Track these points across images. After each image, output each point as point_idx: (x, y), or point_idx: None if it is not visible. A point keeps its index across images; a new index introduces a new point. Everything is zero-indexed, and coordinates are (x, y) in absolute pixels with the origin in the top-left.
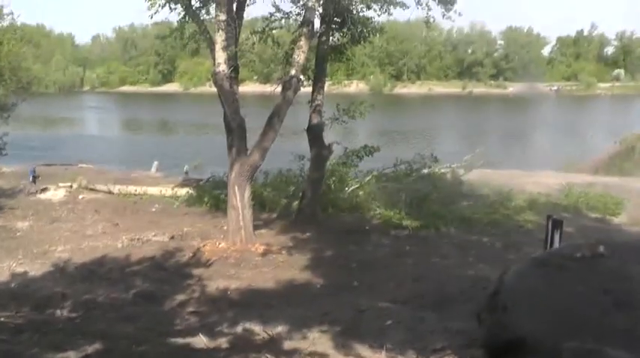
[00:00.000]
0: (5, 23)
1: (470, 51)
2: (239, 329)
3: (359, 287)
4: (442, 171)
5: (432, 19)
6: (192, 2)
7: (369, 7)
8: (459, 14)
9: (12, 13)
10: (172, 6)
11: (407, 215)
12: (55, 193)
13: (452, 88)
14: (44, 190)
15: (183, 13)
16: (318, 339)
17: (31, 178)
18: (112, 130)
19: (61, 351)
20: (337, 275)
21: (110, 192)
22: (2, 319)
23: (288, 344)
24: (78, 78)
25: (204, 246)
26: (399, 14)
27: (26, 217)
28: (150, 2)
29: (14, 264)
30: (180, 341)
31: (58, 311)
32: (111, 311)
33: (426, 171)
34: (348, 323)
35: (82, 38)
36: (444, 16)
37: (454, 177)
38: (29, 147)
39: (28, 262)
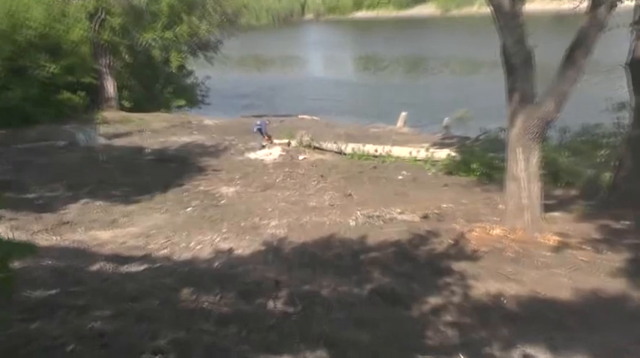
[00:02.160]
0: None
1: None
2: (516, 354)
3: None
4: None
5: None
6: None
7: None
8: None
9: None
10: None
11: None
12: (269, 152)
13: None
14: (258, 149)
15: None
16: None
17: (260, 135)
18: (343, 71)
19: (274, 354)
20: None
21: (341, 153)
22: (206, 305)
23: None
24: (298, 4)
25: (470, 231)
26: None
27: (232, 181)
28: None
29: (218, 239)
30: None
31: (271, 303)
32: (338, 310)
33: None
34: None
35: None
36: None
37: None
38: (237, 95)
39: (233, 237)
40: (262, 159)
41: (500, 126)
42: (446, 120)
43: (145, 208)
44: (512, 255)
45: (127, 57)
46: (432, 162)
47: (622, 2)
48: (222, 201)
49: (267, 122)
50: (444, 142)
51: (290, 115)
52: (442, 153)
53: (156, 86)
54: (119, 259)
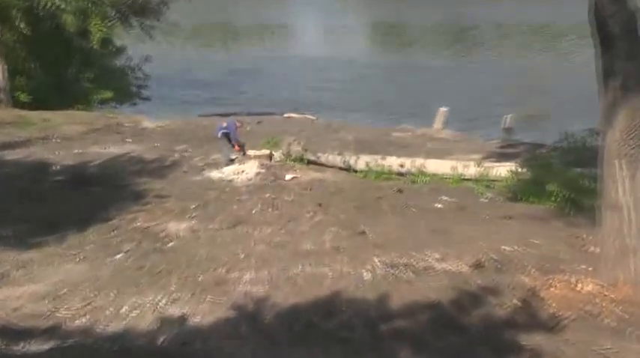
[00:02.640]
0: None
1: None
2: None
3: None
4: None
5: None
6: None
7: None
8: None
9: None
10: None
11: None
12: (240, 169)
13: None
14: (224, 164)
15: None
16: None
17: (227, 143)
18: (352, 47)
19: None
20: None
21: (349, 169)
22: None
23: None
24: None
25: (546, 286)
26: None
27: (186, 213)
28: None
29: (164, 301)
30: None
31: None
32: None
33: None
34: None
35: None
36: None
37: None
38: (192, 83)
39: (188, 298)
40: (231, 180)
41: (591, 127)
42: (507, 119)
43: (52, 255)
44: (614, 324)
45: (22, 26)
46: (486, 182)
47: None
48: (170, 244)
49: (237, 124)
50: (504, 152)
51: (272, 114)
52: (502, 169)
53: (68, 71)
54: (11, 333)
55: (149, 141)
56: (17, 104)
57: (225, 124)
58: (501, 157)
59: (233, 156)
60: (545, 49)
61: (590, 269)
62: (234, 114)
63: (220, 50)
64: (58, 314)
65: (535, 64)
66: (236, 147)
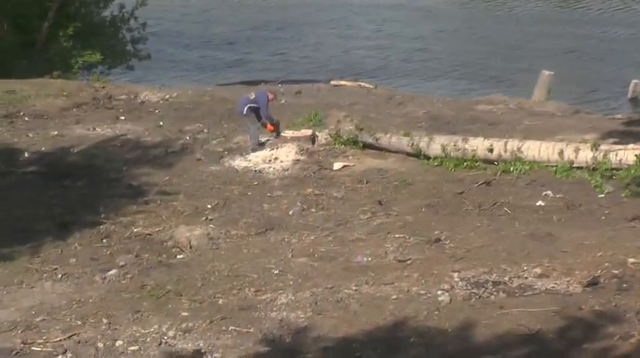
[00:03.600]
0: None
1: None
2: None
3: None
4: None
5: None
6: None
7: None
8: None
9: None
10: None
11: None
12: (274, 155)
13: None
14: (251, 148)
15: None
16: None
17: (255, 121)
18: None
19: None
20: None
21: (419, 155)
22: None
23: None
24: None
25: None
26: None
27: (200, 216)
28: None
29: (172, 332)
30: None
31: None
32: None
33: None
34: None
35: None
36: None
37: None
38: (208, 41)
39: (203, 329)
40: (260, 171)
41: None
42: (634, 84)
43: (24, 271)
44: None
45: None
46: (606, 171)
47: None
48: (180, 256)
49: (269, 96)
50: (630, 131)
51: (316, 81)
52: (628, 154)
53: (42, 26)
54: None
55: (150, 119)
56: None
57: (252, 96)
58: (626, 137)
59: (264, 139)
60: None
61: None
62: (265, 82)
63: None
64: (32, 350)
65: None
66: (268, 126)
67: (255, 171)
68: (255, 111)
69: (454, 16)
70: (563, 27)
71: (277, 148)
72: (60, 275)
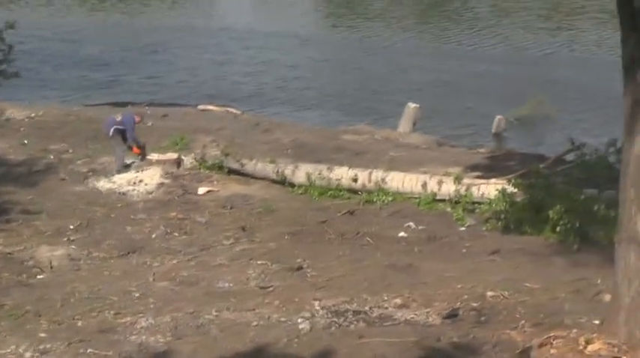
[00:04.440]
0: None
1: None
2: None
3: None
4: None
5: None
6: None
7: None
8: None
9: None
10: None
11: None
12: (138, 178)
13: None
14: (116, 170)
15: None
16: None
17: (121, 142)
18: (292, 20)
19: None
20: None
21: (284, 182)
22: None
23: None
24: None
25: (543, 344)
26: None
27: (62, 235)
28: None
29: (29, 352)
30: None
31: None
32: None
33: None
34: None
35: None
36: None
37: None
38: (77, 60)
39: (62, 350)
40: (124, 193)
41: (610, 137)
42: (498, 121)
43: None
44: None
45: None
46: (467, 204)
47: None
48: (40, 276)
49: (136, 118)
50: (492, 165)
51: (183, 105)
52: (489, 188)
53: None
54: None
55: (14, 137)
56: None
57: (119, 118)
58: (488, 172)
59: (129, 161)
60: (555, 29)
61: (598, 322)
62: (132, 104)
63: (114, 16)
64: None
65: (540, 50)
66: (134, 149)
67: (120, 193)
68: (122, 133)
69: (330, 45)
70: (435, 61)
71: (142, 171)
72: None
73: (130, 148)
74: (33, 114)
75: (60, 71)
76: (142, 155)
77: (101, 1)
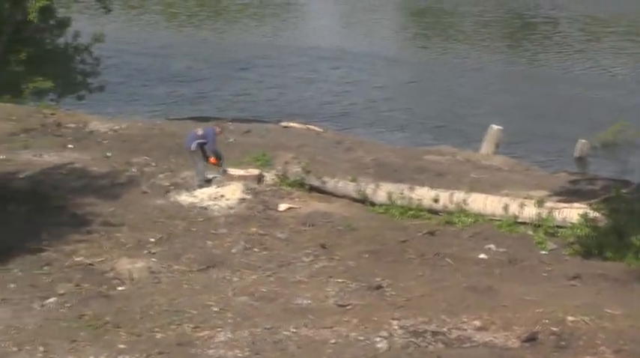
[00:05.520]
0: None
1: None
2: None
3: None
4: None
5: None
6: None
7: None
8: None
9: None
10: None
11: None
12: (219, 193)
13: None
14: (197, 185)
15: None
16: None
17: (202, 157)
18: (379, 37)
19: None
20: None
21: (364, 201)
22: None
23: None
24: None
25: None
26: None
27: (143, 248)
28: None
29: None
30: None
31: None
32: None
33: None
34: None
35: None
36: None
37: None
38: (162, 75)
39: None
40: (205, 207)
41: None
42: (581, 144)
43: None
44: None
45: None
46: (548, 228)
47: None
48: (120, 288)
49: (216, 129)
50: (575, 189)
51: (265, 121)
52: (571, 213)
53: None
54: None
55: (98, 149)
56: None
57: (200, 132)
58: (571, 196)
59: (210, 176)
60: None
61: None
62: (215, 119)
63: (203, 33)
64: None
65: (628, 74)
66: (211, 159)
67: (201, 207)
68: (203, 147)
69: (407, 63)
70: (521, 84)
71: (224, 186)
72: None
73: (207, 158)
74: (117, 127)
75: (147, 86)
76: (221, 166)
77: (190, 17)
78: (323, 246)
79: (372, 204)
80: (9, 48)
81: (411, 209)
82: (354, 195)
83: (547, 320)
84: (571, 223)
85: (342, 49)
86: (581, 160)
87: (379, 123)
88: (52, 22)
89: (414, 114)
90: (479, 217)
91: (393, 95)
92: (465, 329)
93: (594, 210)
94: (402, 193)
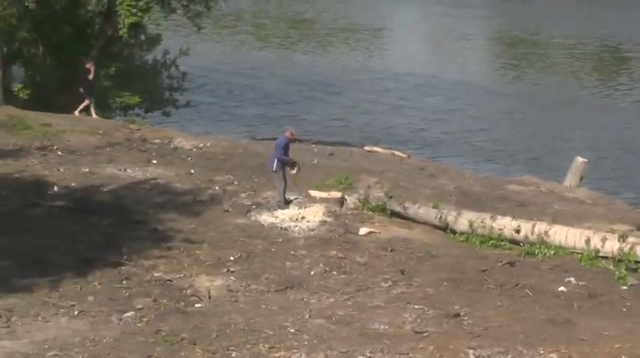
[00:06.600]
0: None
1: None
2: None
3: None
4: None
5: None
6: None
7: None
8: None
9: None
10: None
11: None
12: (300, 215)
13: None
14: (276, 205)
15: None
16: None
17: (281, 174)
18: (467, 65)
19: None
20: None
21: (446, 229)
22: None
23: None
24: None
25: None
26: None
27: (222, 267)
28: None
29: None
30: None
31: None
32: None
33: None
34: None
35: None
36: None
37: None
38: (245, 93)
39: None
40: (286, 228)
41: None
42: None
43: (41, 304)
44: None
45: None
46: (630, 263)
47: None
48: (198, 305)
49: (287, 133)
50: None
51: (349, 145)
52: None
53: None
54: None
55: (181, 166)
56: (13, 101)
57: (283, 141)
58: None
59: (292, 197)
60: None
61: None
62: (300, 141)
63: (294, 55)
64: None
65: None
66: (290, 169)
67: (281, 228)
68: (282, 162)
69: (495, 92)
70: (611, 117)
71: (305, 208)
72: (76, 312)
73: (282, 166)
74: (201, 145)
75: (236, 106)
76: (294, 169)
77: (282, 39)
78: (402, 272)
79: (453, 231)
80: (99, 62)
81: (491, 238)
82: (436, 222)
83: (625, 356)
84: None
85: (435, 77)
86: None
87: (469, 152)
88: (142, 38)
89: (504, 145)
90: (560, 249)
91: (485, 125)
92: None
93: None
94: (483, 222)
